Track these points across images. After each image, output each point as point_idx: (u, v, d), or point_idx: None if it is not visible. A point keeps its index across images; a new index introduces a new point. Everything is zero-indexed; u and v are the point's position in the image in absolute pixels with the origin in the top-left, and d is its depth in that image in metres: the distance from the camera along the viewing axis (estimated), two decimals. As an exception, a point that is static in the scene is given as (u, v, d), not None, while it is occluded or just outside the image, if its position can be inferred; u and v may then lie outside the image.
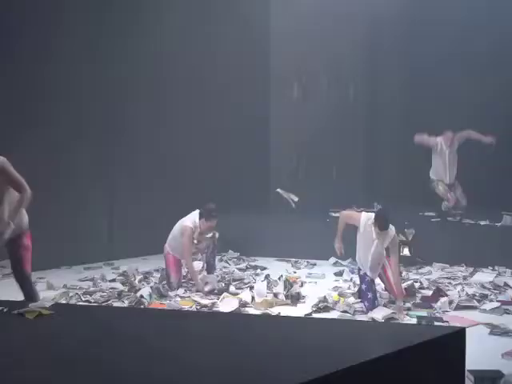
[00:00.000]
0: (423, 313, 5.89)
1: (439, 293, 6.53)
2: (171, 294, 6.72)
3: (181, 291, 6.88)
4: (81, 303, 6.24)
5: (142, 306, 6.07)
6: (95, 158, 8.72)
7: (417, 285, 7.02)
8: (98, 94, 8.63)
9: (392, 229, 6.11)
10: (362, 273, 6.28)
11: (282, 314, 5.79)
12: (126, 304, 6.21)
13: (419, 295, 6.59)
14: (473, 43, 10.08)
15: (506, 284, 7.23)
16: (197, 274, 7.02)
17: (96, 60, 8.63)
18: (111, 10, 8.77)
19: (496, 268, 8.03)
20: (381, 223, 6.02)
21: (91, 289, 6.91)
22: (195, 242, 7.10)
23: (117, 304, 6.23)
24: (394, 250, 6.13)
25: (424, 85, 10.75)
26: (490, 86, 9.85)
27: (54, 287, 6.96)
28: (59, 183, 8.16)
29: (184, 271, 7.34)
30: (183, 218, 7.17)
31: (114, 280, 7.46)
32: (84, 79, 8.47)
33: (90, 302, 6.31)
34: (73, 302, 6.29)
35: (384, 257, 6.17)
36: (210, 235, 7.30)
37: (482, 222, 8.90)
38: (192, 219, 7.06)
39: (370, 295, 6.08)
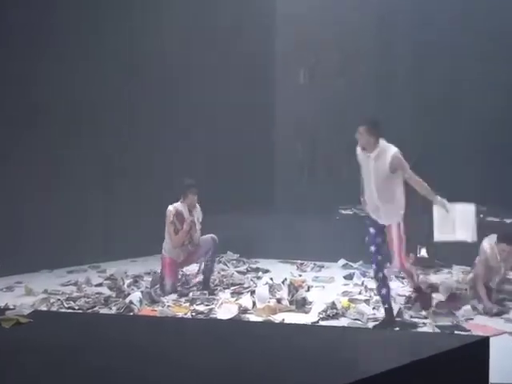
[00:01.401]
0: (446, 322, 5.87)
1: (455, 298, 6.51)
2: (164, 299, 6.74)
3: (173, 296, 6.90)
4: (63, 310, 6.24)
5: (132, 313, 6.08)
6: (82, 158, 8.77)
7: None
8: (93, 94, 8.71)
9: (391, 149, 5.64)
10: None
11: (286, 322, 5.79)
12: (113, 311, 6.21)
13: (435, 301, 6.55)
14: (483, 18, 10.12)
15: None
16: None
17: (89, 57, 8.72)
18: (105, 6, 8.84)
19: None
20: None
21: (75, 294, 6.92)
22: (185, 227, 7.18)
23: (103, 311, 6.23)
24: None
25: (437, 70, 10.75)
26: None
27: (34, 292, 6.96)
28: (43, 182, 8.20)
29: (179, 275, 7.39)
30: None
31: (100, 284, 7.49)
32: (80, 78, 8.58)
33: (74, 309, 6.31)
34: (54, 308, 6.29)
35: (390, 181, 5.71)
36: (195, 215, 7.35)
37: (508, 220, 8.89)
38: (174, 204, 7.25)
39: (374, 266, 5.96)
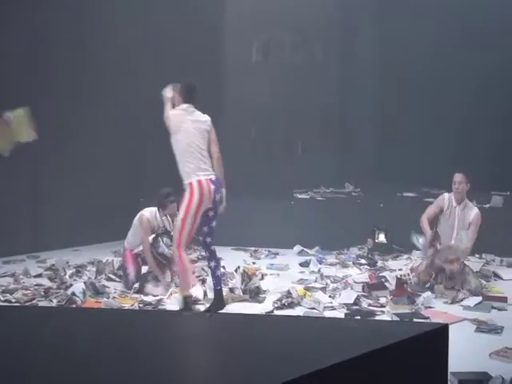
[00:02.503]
0: (404, 309, 5.97)
1: (402, 284, 6.62)
2: (108, 289, 6.71)
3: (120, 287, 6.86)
4: (-1, 303, 6.17)
5: (74, 306, 6.03)
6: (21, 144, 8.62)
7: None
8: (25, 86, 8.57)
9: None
10: None
11: (239, 312, 5.81)
12: (54, 303, 6.16)
13: (388, 290, 6.64)
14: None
15: (494, 274, 7.41)
16: (156, 268, 6.99)
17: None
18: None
19: (484, 256, 8.21)
20: None
21: (12, 286, 6.82)
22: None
23: (43, 304, 6.17)
24: None
25: (401, 43, 10.86)
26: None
27: (-34, 285, 6.85)
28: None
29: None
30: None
31: (39, 275, 7.39)
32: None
33: (11, 302, 6.22)
34: (-11, 302, 6.20)
35: None
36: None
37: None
38: (151, 208, 7.18)
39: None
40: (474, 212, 7.10)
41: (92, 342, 2.79)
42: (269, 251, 8.84)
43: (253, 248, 8.95)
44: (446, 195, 7.26)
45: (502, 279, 7.29)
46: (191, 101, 6.13)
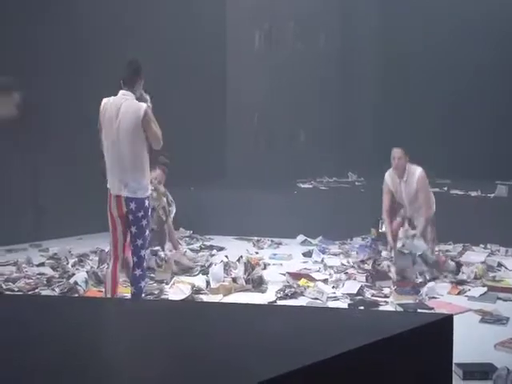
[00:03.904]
0: (408, 300, 5.95)
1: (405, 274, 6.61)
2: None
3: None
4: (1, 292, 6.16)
5: (77, 295, 6.03)
6: (24, 133, 8.62)
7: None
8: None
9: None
10: None
11: (241, 302, 5.81)
12: (57, 292, 6.15)
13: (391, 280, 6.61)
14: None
15: (499, 264, 7.37)
16: None
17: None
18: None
19: (488, 246, 8.18)
20: None
21: (14, 275, 6.81)
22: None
23: (46, 292, 6.17)
24: None
25: (399, 32, 10.84)
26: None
27: (-32, 273, 6.86)
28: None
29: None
30: None
31: (42, 264, 7.38)
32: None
33: (14, 291, 6.23)
34: (-8, 290, 6.20)
35: None
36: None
37: (473, 193, 9.04)
38: None
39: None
40: (416, 175, 6.90)
41: (94, 331, 2.78)
42: (272, 241, 8.83)
43: (256, 238, 8.93)
44: (386, 175, 7.13)
45: (507, 269, 7.25)
46: (129, 85, 4.97)
